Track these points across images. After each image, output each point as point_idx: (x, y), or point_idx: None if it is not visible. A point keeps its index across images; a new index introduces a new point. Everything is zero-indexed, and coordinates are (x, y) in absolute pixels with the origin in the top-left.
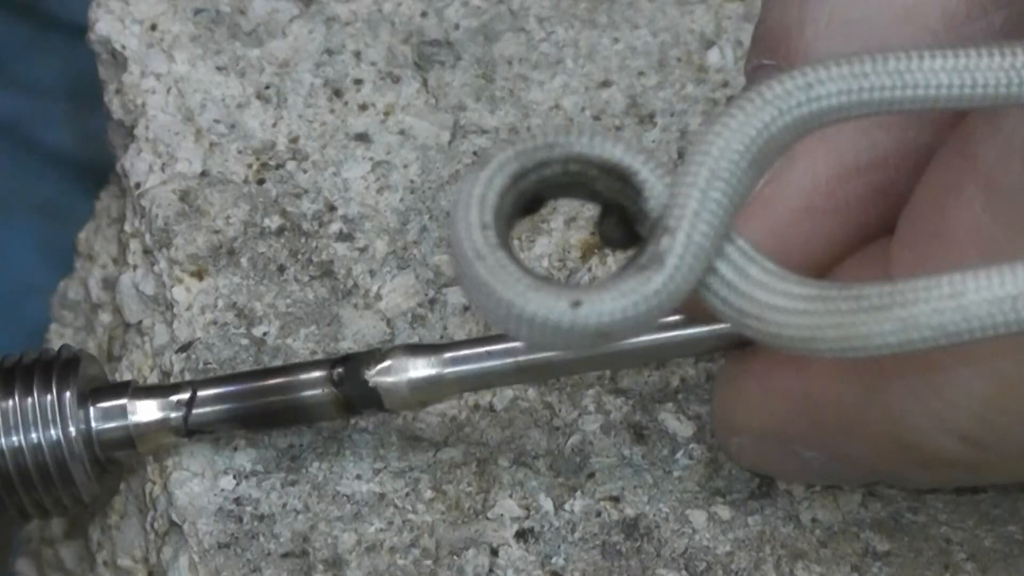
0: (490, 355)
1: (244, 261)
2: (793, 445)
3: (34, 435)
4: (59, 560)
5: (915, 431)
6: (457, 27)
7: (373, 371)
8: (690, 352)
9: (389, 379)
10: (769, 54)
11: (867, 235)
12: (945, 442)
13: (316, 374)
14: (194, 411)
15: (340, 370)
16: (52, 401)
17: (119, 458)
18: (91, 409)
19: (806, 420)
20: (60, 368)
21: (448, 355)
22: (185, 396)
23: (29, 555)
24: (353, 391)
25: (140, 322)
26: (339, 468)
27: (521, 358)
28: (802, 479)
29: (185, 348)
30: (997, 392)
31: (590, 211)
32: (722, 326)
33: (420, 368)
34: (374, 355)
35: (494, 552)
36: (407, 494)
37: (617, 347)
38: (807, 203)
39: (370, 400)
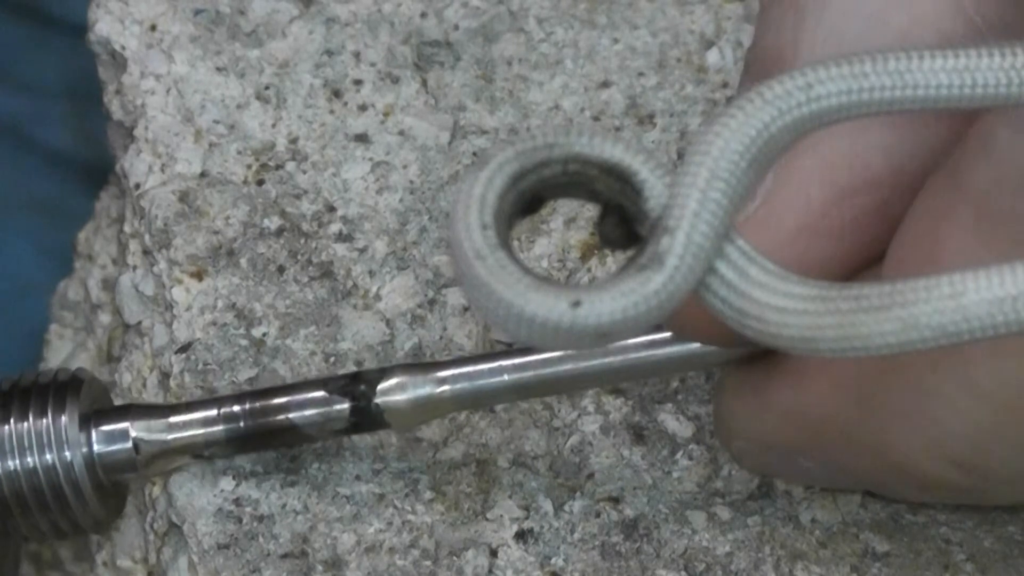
0: (494, 372)
1: (244, 262)
2: (791, 455)
3: (36, 460)
4: (58, 560)
5: (907, 455)
6: (457, 28)
7: (378, 392)
8: (689, 368)
9: (393, 398)
10: (763, 77)
11: (861, 257)
12: (937, 467)
13: (317, 394)
14: (192, 432)
15: (342, 389)
16: (52, 425)
17: (124, 480)
18: (93, 432)
19: (802, 433)
20: (62, 391)
21: (449, 373)
22: (186, 417)
23: (28, 556)
24: (356, 413)
25: (140, 323)
26: (338, 469)
27: (525, 374)
28: (804, 483)
29: (185, 349)
30: (991, 418)
31: (590, 211)
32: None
33: (423, 387)
34: (376, 375)
35: (493, 553)
36: (406, 495)
37: (619, 363)
38: (801, 224)
39: (373, 421)
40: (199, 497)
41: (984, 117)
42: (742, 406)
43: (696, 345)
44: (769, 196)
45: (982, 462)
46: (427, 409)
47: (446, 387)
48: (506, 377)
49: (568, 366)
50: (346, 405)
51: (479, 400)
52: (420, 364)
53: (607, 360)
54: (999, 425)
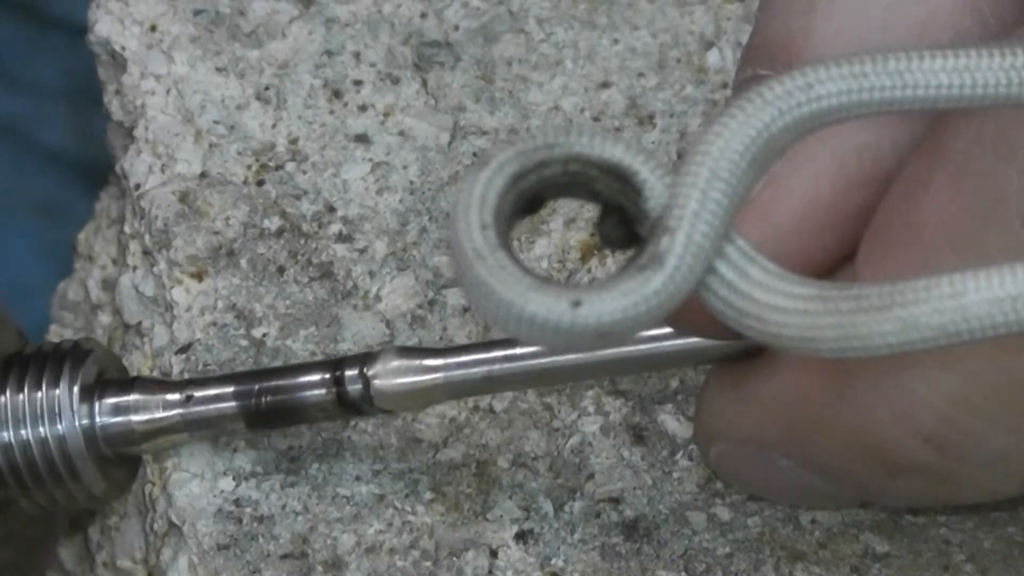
0: (488, 361)
1: (244, 262)
2: (768, 451)
3: (35, 431)
4: (58, 560)
5: (879, 431)
6: (457, 28)
7: (372, 375)
8: (685, 363)
9: (388, 381)
10: (768, 64)
11: (855, 247)
12: (909, 444)
13: (314, 377)
14: (196, 408)
15: (337, 373)
16: (48, 394)
17: (129, 453)
18: (97, 403)
19: (778, 422)
20: (66, 360)
21: (442, 361)
22: (191, 394)
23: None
24: (349, 392)
25: (140, 323)
26: (338, 469)
27: (518, 364)
28: (779, 495)
29: (185, 349)
30: (962, 390)
31: (590, 212)
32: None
33: (413, 373)
34: (367, 357)
35: (493, 553)
36: (406, 495)
37: (613, 356)
38: (807, 212)
39: (368, 404)
40: (199, 498)
41: None
42: (721, 400)
43: (693, 339)
44: (776, 182)
45: (953, 437)
46: (421, 394)
47: (439, 374)
48: (501, 366)
49: (561, 358)
50: (344, 388)
51: (473, 386)
52: (415, 348)
53: (600, 353)
54: (969, 396)
